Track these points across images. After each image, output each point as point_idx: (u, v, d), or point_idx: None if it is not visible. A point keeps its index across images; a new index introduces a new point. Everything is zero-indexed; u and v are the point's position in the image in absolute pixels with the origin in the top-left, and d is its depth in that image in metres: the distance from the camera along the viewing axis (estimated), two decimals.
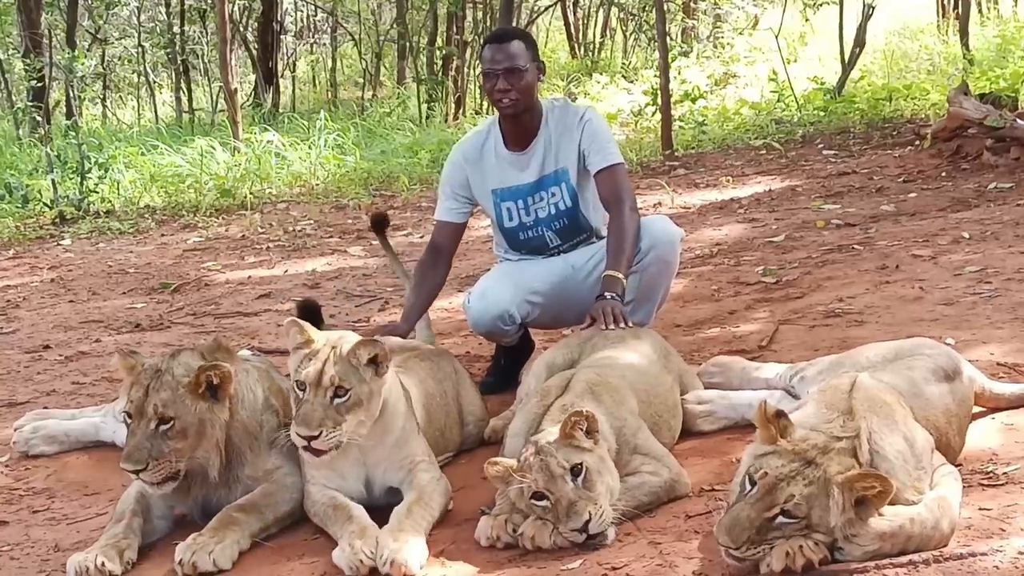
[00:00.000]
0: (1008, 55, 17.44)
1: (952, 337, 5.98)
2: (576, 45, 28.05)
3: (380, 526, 4.41)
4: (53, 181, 14.04)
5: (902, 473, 3.90)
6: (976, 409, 4.93)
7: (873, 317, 6.76)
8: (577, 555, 4.11)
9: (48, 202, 14.12)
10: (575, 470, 4.20)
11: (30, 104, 18.46)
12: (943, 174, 11.30)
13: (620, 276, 5.65)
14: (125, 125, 23.38)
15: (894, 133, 13.97)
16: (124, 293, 10.01)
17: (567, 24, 28.22)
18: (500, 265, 6.42)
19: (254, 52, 24.42)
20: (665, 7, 17.98)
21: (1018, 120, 11.24)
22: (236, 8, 23.97)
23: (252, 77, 24.63)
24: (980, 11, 22.87)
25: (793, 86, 17.12)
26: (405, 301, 6.25)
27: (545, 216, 6.12)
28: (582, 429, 4.29)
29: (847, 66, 17.14)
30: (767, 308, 7.36)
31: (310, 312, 6.34)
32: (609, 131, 6.18)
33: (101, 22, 26.00)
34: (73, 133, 14.58)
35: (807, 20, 21.24)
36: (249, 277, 10.21)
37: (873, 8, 17.26)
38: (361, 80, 26.48)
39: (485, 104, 20.47)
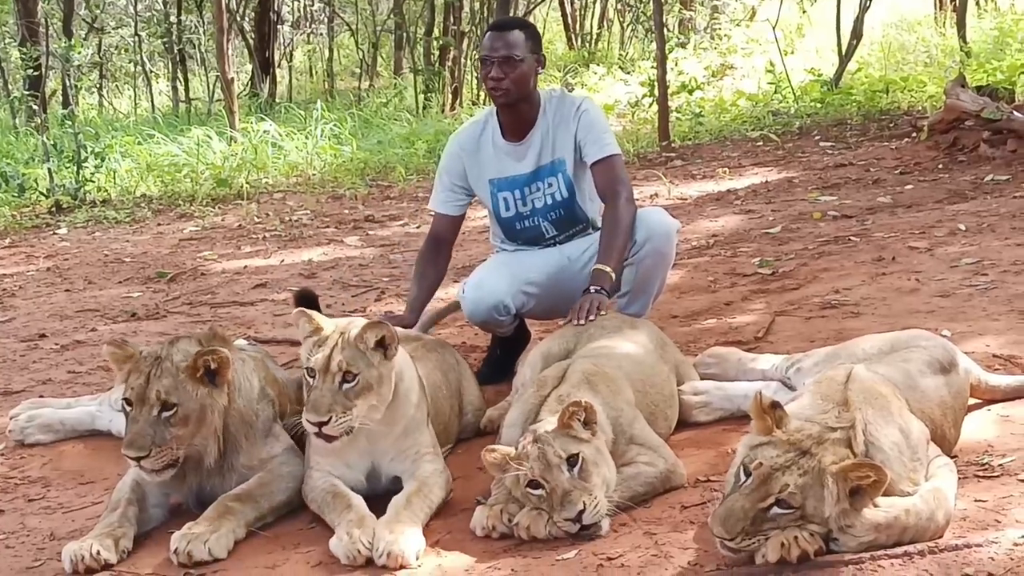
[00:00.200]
0: (1005, 47, 17.42)
1: (948, 329, 5.98)
2: (573, 36, 28.07)
3: (380, 515, 4.41)
4: (49, 170, 14.02)
5: (897, 464, 3.90)
6: (972, 401, 4.93)
7: (869, 309, 6.76)
8: (572, 545, 4.11)
9: (44, 191, 14.11)
10: (571, 460, 4.20)
11: (26, 93, 18.47)
12: (940, 166, 11.30)
13: (608, 270, 5.65)
14: (121, 114, 23.39)
15: (891, 125, 13.97)
16: (120, 282, 10.00)
17: (564, 15, 28.25)
18: (496, 256, 6.42)
19: (251, 42, 24.40)
20: None
21: (1015, 112, 11.24)
22: None
23: (249, 67, 24.64)
24: (977, 3, 22.87)
25: (790, 78, 17.11)
26: (408, 293, 6.24)
27: (542, 206, 6.11)
28: (580, 419, 4.29)
29: (844, 58, 17.13)
30: (763, 299, 7.36)
31: (307, 301, 6.31)
32: (606, 121, 6.17)
33: (98, 11, 26.02)
34: (69, 122, 14.56)
35: (804, 12, 21.19)
36: (245, 267, 10.20)
37: (870, 0, 17.24)
38: (358, 70, 26.47)
39: (482, 94, 20.48)
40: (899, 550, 3.71)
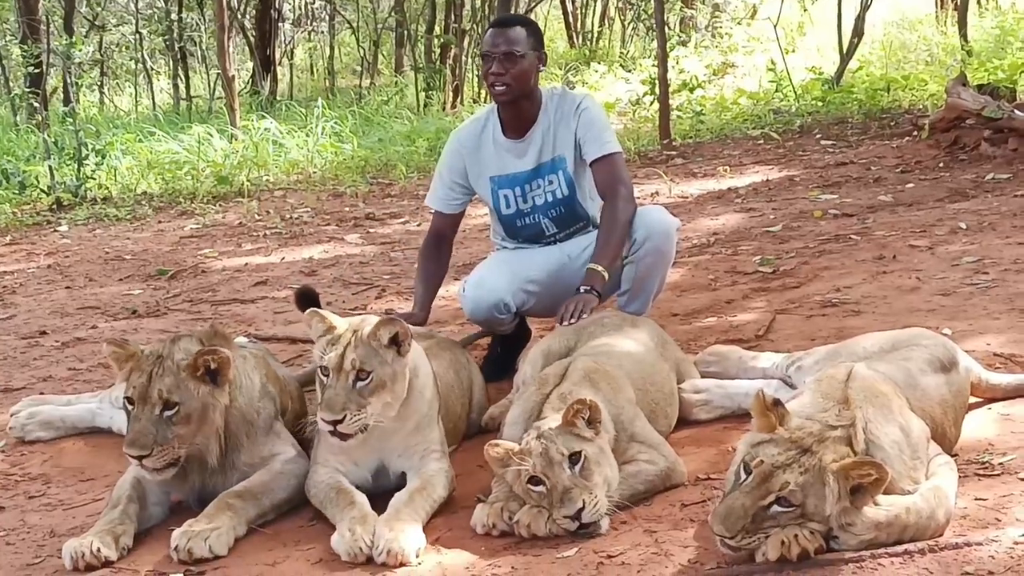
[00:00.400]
0: (1006, 46, 17.43)
1: (949, 327, 5.98)
2: (574, 34, 28.07)
3: (384, 512, 4.42)
4: (50, 167, 14.02)
5: (898, 463, 3.90)
6: (972, 399, 4.93)
7: (870, 307, 6.76)
8: (572, 543, 4.11)
9: (45, 188, 14.11)
10: (573, 458, 4.20)
11: (27, 90, 18.46)
12: (941, 165, 11.30)
13: (600, 269, 5.66)
14: (122, 112, 23.38)
15: (892, 124, 13.96)
16: (121, 280, 10.00)
17: (565, 13, 28.25)
18: (496, 254, 6.42)
19: (252, 39, 24.41)
20: None
21: (1016, 111, 11.24)
22: None
23: (250, 64, 24.63)
24: (979, 2, 22.89)
25: (791, 76, 17.11)
26: (414, 291, 6.24)
27: (542, 204, 6.12)
28: (584, 418, 4.30)
29: (845, 56, 17.15)
30: (764, 298, 7.36)
31: (309, 299, 6.32)
32: (606, 119, 6.17)
33: (99, 8, 26.01)
34: (70, 119, 14.55)
35: (805, 10, 21.20)
36: (246, 264, 10.20)
37: None
38: (359, 68, 26.49)
39: (483, 92, 20.48)
40: (899, 548, 3.71)
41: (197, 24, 25.19)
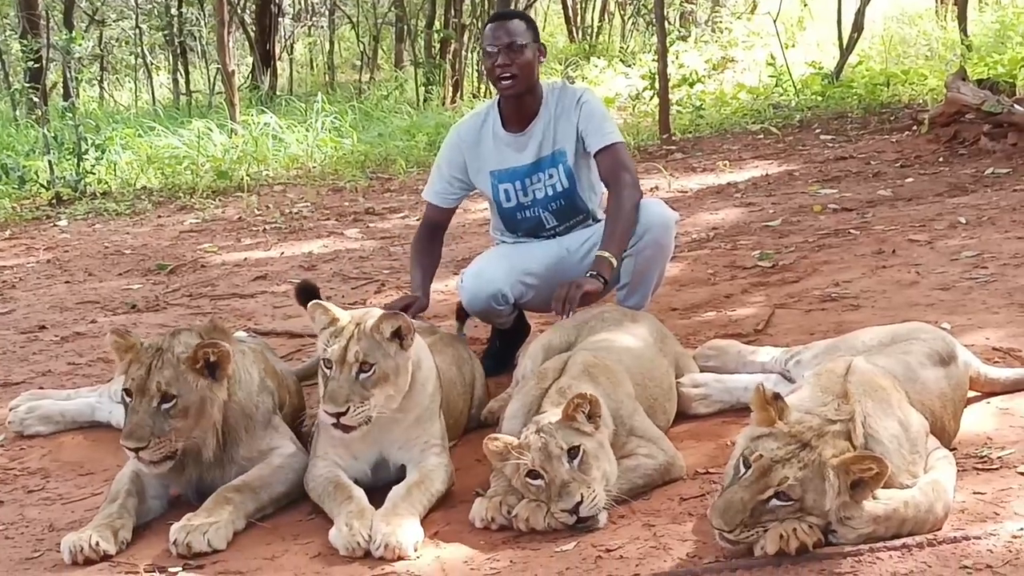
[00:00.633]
0: (1006, 41, 17.42)
1: (948, 322, 5.98)
2: (574, 29, 28.03)
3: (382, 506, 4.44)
4: (50, 162, 14.02)
5: (896, 457, 3.90)
6: (971, 394, 4.94)
7: (869, 301, 6.76)
8: (571, 537, 4.12)
9: (45, 183, 14.11)
10: (572, 452, 4.21)
11: (27, 85, 18.43)
12: (940, 159, 11.30)
13: (608, 255, 5.65)
14: (122, 107, 23.38)
15: (891, 118, 13.95)
16: (120, 274, 10.00)
17: (565, 7, 28.21)
18: (495, 247, 6.43)
19: (252, 34, 24.37)
20: None
21: (1016, 106, 11.23)
22: None
23: (250, 59, 24.59)
24: None
25: (791, 71, 17.09)
26: (411, 279, 6.23)
27: (542, 197, 6.12)
28: (584, 412, 4.30)
29: (845, 51, 17.12)
30: (763, 292, 7.36)
31: (309, 293, 6.33)
32: (606, 111, 6.18)
33: (99, 3, 26.00)
34: (70, 114, 14.55)
35: (805, 5, 21.19)
36: (245, 259, 10.20)
37: None
38: (359, 63, 26.46)
39: (483, 87, 20.46)
40: (898, 542, 3.71)
41: (197, 19, 25.19)
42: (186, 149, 15.53)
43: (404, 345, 4.66)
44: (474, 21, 22.82)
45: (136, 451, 4.52)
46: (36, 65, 18.70)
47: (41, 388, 6.52)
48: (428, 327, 5.73)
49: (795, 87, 16.70)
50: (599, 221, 6.08)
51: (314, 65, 28.89)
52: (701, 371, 5.51)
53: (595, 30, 28.19)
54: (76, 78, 20.51)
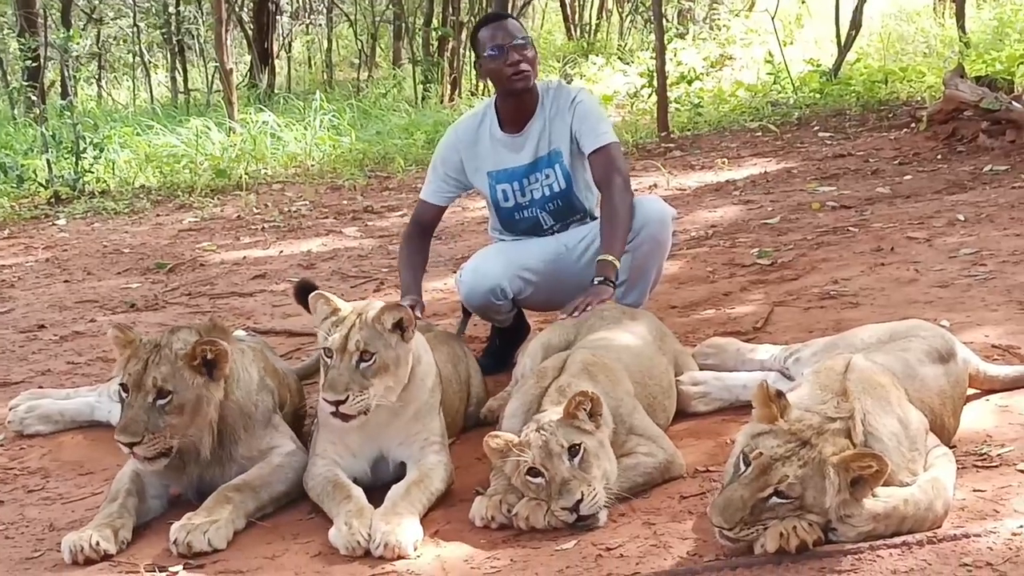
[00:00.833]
0: (1004, 38, 17.44)
1: (947, 319, 5.99)
2: (572, 26, 28.02)
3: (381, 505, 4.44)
4: (48, 161, 14.01)
5: (896, 454, 3.91)
6: (970, 391, 4.94)
7: (868, 299, 6.77)
8: (571, 535, 4.12)
9: (43, 182, 14.10)
10: (573, 450, 4.21)
11: (25, 84, 18.44)
12: (939, 156, 11.30)
13: (611, 259, 5.65)
14: (120, 105, 23.37)
15: (890, 115, 13.96)
16: (119, 273, 10.00)
17: (563, 5, 28.20)
18: (494, 244, 6.43)
19: (250, 32, 24.37)
20: None
21: (1014, 103, 11.25)
22: None
23: (247, 57, 24.60)
24: None
25: (789, 68, 17.10)
26: (401, 279, 6.22)
27: (540, 197, 6.12)
28: (585, 410, 4.30)
29: (843, 48, 17.11)
30: (762, 290, 7.36)
31: (308, 292, 6.31)
32: (601, 111, 6.18)
33: (96, 1, 25.98)
34: (68, 113, 14.55)
35: (803, 2, 21.22)
36: (244, 258, 10.21)
37: None
38: (357, 61, 26.47)
39: (480, 85, 20.44)
40: (898, 540, 3.71)
41: (195, 17, 25.18)
42: (184, 148, 15.54)
43: (405, 337, 4.68)
44: (472, 18, 22.80)
45: (130, 446, 4.52)
46: (34, 64, 18.70)
47: (40, 387, 6.52)
48: (424, 324, 5.72)
49: (793, 85, 16.71)
50: (596, 219, 6.08)
51: (312, 63, 28.87)
52: (700, 369, 5.51)
53: (593, 28, 28.18)
54: (74, 77, 20.54)
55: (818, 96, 15.95)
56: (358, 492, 4.54)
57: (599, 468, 4.25)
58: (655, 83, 15.63)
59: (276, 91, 22.43)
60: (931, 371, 4.54)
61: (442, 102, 20.00)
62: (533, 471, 4.22)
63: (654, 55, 15.97)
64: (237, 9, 24.30)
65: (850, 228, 8.68)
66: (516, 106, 6.04)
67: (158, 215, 12.79)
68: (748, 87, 17.45)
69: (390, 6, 25.27)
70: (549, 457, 4.19)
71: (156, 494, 4.79)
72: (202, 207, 12.94)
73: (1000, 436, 4.58)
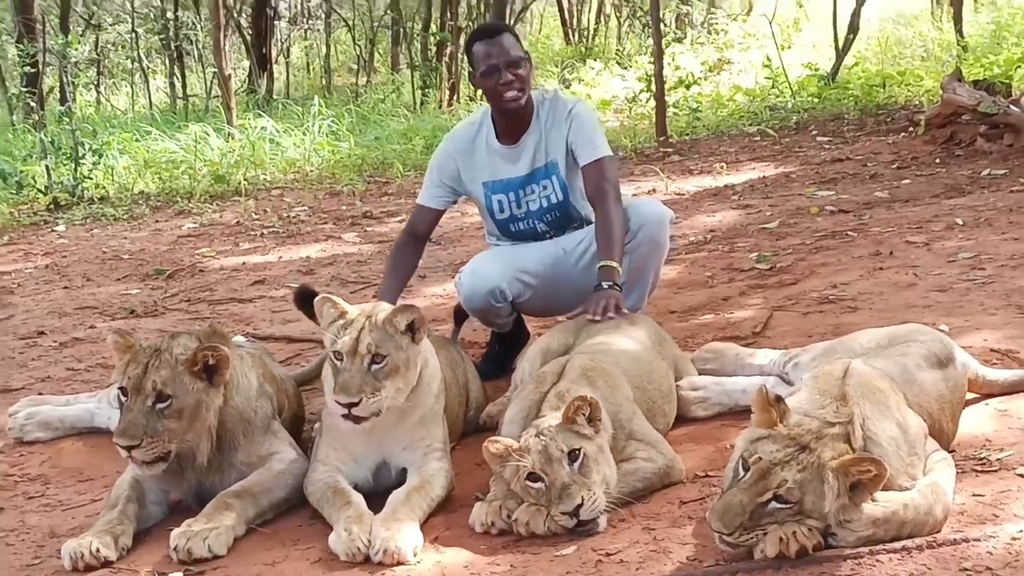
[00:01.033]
0: (1002, 41, 17.46)
1: (945, 323, 5.99)
2: (570, 31, 28.04)
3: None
4: (47, 167, 14.01)
5: (895, 459, 3.91)
6: (969, 395, 4.94)
7: (866, 303, 6.77)
8: (571, 541, 4.12)
9: (42, 188, 14.11)
10: (572, 455, 4.21)
11: (24, 90, 18.38)
12: (937, 160, 11.31)
13: (614, 264, 5.64)
14: (119, 111, 23.37)
15: (888, 120, 13.97)
16: (118, 279, 10.01)
17: (561, 10, 28.21)
18: (492, 248, 6.42)
19: (248, 38, 24.39)
20: None
21: (1012, 106, 11.26)
22: None
23: (246, 63, 24.60)
24: None
25: (787, 72, 17.12)
26: (382, 283, 6.20)
27: (536, 209, 6.12)
28: (584, 415, 4.31)
29: (841, 52, 17.13)
30: (761, 294, 7.36)
31: (307, 297, 6.33)
32: (597, 123, 6.17)
33: (95, 7, 25.97)
34: (67, 119, 14.53)
35: (801, 6, 21.22)
36: (243, 263, 10.21)
37: None
38: (355, 66, 26.48)
39: (478, 91, 20.45)
40: (897, 545, 3.72)
41: (193, 23, 25.16)
42: (183, 153, 15.54)
43: (416, 339, 4.69)
44: (470, 24, 22.83)
45: (128, 449, 4.52)
46: (32, 70, 18.66)
47: (40, 394, 6.52)
48: None
49: (791, 89, 16.72)
50: (592, 223, 6.07)
51: (310, 69, 28.90)
52: (699, 374, 5.52)
53: (591, 32, 28.20)
54: (73, 83, 20.50)
55: (816, 100, 15.97)
56: (358, 498, 4.55)
57: (599, 473, 4.26)
58: (653, 88, 15.66)
59: (275, 97, 22.45)
60: (930, 376, 4.55)
61: (440, 107, 20.03)
62: (533, 476, 4.22)
63: (652, 60, 16.00)
64: (235, 15, 24.32)
65: (849, 232, 8.69)
66: (510, 120, 6.04)
67: (157, 221, 12.80)
68: (746, 91, 17.46)
69: (388, 11, 25.28)
70: (549, 462, 4.20)
71: (156, 500, 4.79)
72: (201, 213, 12.94)
73: (999, 440, 4.58)
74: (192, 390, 4.61)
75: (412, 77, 21.89)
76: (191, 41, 25.24)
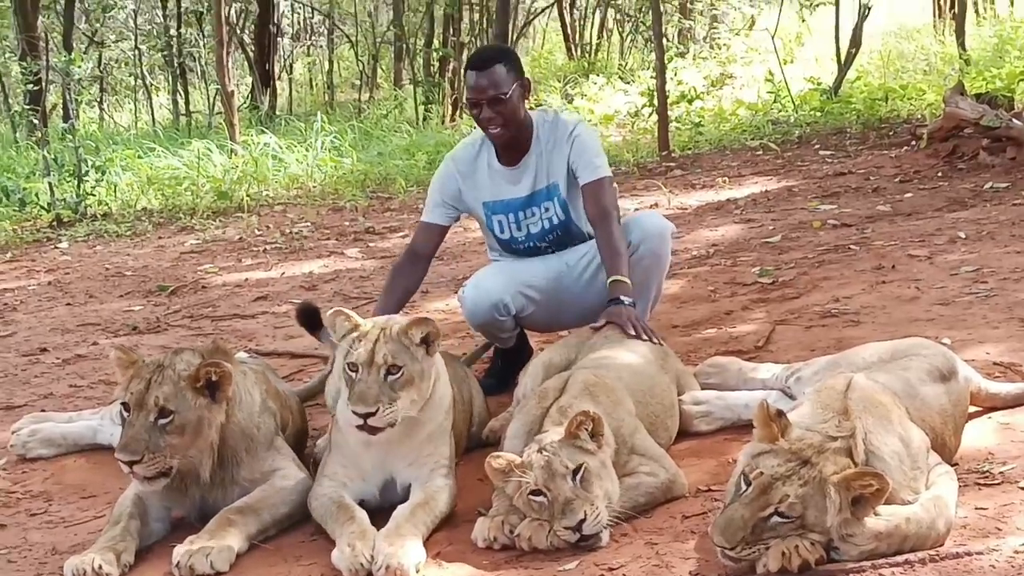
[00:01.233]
0: (1004, 55, 17.46)
1: (948, 337, 5.99)
2: (573, 46, 28.06)
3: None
4: (50, 184, 14.01)
5: (898, 473, 3.91)
6: (972, 409, 4.94)
7: (869, 317, 6.77)
8: (574, 556, 4.12)
9: (45, 205, 14.10)
10: (575, 470, 4.21)
11: (27, 107, 18.48)
12: (939, 174, 11.31)
13: (623, 279, 5.65)
14: (122, 128, 23.39)
15: (890, 133, 13.98)
16: (121, 296, 10.01)
17: (564, 25, 28.25)
18: (495, 262, 6.41)
19: (251, 54, 24.43)
20: (661, 8, 18.04)
21: (1014, 120, 11.26)
22: (233, 11, 23.97)
23: (249, 79, 24.64)
24: (976, 11, 22.91)
25: (789, 87, 17.13)
26: (377, 302, 6.18)
27: (538, 231, 6.12)
28: (587, 430, 4.31)
29: (843, 66, 17.14)
30: (763, 308, 7.36)
31: (310, 315, 6.36)
32: (598, 144, 6.16)
33: (98, 25, 26.02)
34: (70, 136, 14.54)
35: (803, 20, 21.24)
36: (246, 279, 10.21)
37: (869, 8, 17.25)
38: (358, 82, 26.52)
39: None
40: (900, 558, 3.71)
41: (196, 40, 25.20)
42: (186, 170, 15.54)
43: (430, 351, 4.72)
44: (473, 39, 22.86)
45: (130, 465, 4.52)
46: (36, 87, 18.73)
47: (43, 411, 6.52)
48: None
49: (794, 103, 16.74)
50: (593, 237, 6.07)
51: (313, 85, 28.94)
52: (702, 388, 5.52)
53: (594, 47, 28.21)
54: (76, 100, 20.56)
55: (818, 114, 15.97)
56: (361, 514, 4.55)
57: (601, 488, 4.26)
58: (656, 102, 15.67)
59: (278, 113, 22.47)
60: (932, 390, 4.54)
61: (443, 123, 20.05)
62: (536, 491, 4.22)
63: (654, 74, 16.00)
64: (238, 31, 24.37)
65: (851, 246, 8.68)
66: (504, 145, 6.05)
67: (160, 237, 12.80)
68: (748, 106, 17.46)
69: (391, 27, 25.32)
70: (552, 477, 4.20)
71: (158, 517, 4.79)
72: (204, 229, 12.94)
73: (1002, 454, 4.58)
74: (194, 406, 4.62)
75: (415, 93, 21.91)
76: (194, 58, 25.29)
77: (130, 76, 27.45)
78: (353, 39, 27.09)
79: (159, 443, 4.55)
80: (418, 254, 6.19)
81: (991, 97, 12.15)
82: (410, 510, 4.52)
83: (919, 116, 14.53)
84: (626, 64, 25.82)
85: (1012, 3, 23.36)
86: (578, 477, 4.21)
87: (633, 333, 5.46)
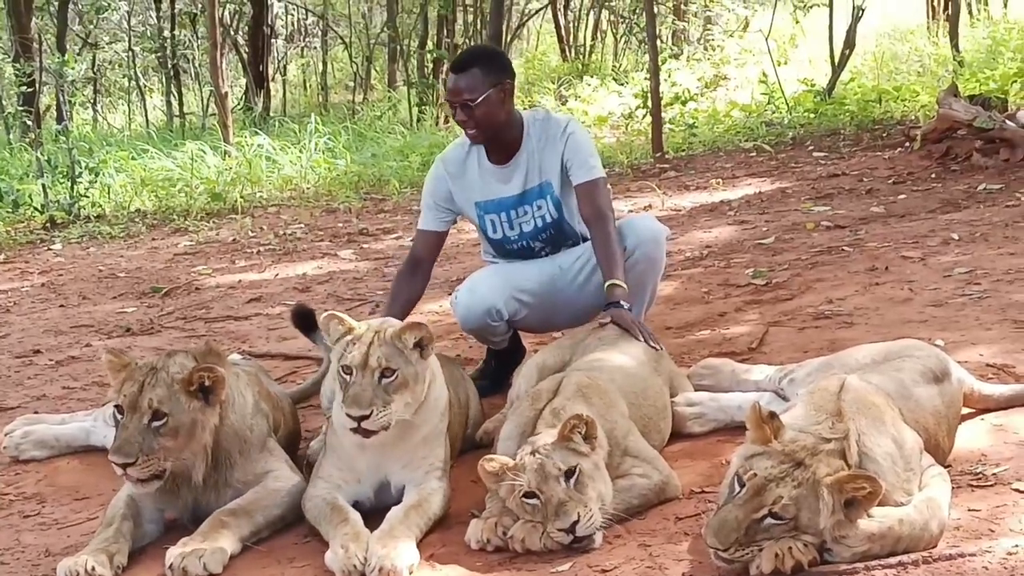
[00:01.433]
0: (998, 56, 17.48)
1: (941, 338, 5.99)
2: (567, 47, 28.03)
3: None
4: (43, 186, 14.01)
5: (891, 474, 3.91)
6: (965, 410, 4.94)
7: (862, 319, 6.77)
8: (567, 558, 4.12)
9: (39, 207, 14.10)
10: (568, 472, 4.21)
11: (20, 109, 18.45)
12: (933, 176, 11.32)
13: (620, 283, 5.66)
14: (116, 129, 23.36)
15: (884, 135, 13.99)
16: (114, 298, 10.00)
17: (558, 27, 28.22)
18: (489, 265, 6.41)
19: (245, 56, 24.43)
20: (655, 10, 18.03)
21: (1007, 121, 11.27)
22: (227, 12, 23.96)
23: (243, 81, 24.63)
24: (970, 12, 22.91)
25: (783, 88, 17.14)
26: (386, 308, 6.18)
27: (531, 230, 6.10)
28: (580, 433, 4.31)
29: (837, 68, 17.17)
30: (757, 310, 7.36)
31: (304, 317, 6.35)
32: (592, 144, 6.15)
33: (91, 26, 26.01)
34: (64, 137, 14.55)
35: (797, 22, 21.23)
36: (240, 281, 10.20)
37: (863, 10, 17.27)
38: (352, 84, 26.53)
39: None
40: (893, 560, 3.71)
41: (190, 41, 25.21)
42: (180, 171, 15.54)
43: (424, 355, 4.71)
44: (467, 41, 22.85)
45: (123, 467, 4.51)
46: (29, 89, 18.68)
47: (36, 413, 6.51)
48: None
49: (787, 104, 16.74)
50: (588, 240, 6.06)
51: (307, 86, 28.93)
52: (696, 390, 5.52)
53: (588, 49, 28.20)
54: (69, 101, 20.51)
55: (812, 116, 15.99)
56: (355, 516, 4.54)
57: (594, 490, 4.26)
58: (649, 104, 15.68)
59: (271, 114, 22.47)
60: (925, 391, 4.55)
61: (437, 124, 20.01)
62: (529, 494, 4.22)
63: (648, 76, 15.99)
64: (232, 33, 24.36)
65: (844, 248, 8.69)
66: (492, 143, 6.03)
67: (153, 239, 12.79)
68: (742, 107, 17.47)
69: (385, 29, 25.30)
70: (545, 480, 4.20)
71: (152, 519, 4.78)
72: (197, 231, 12.94)
73: (995, 455, 4.58)
74: (188, 409, 4.61)
75: (409, 94, 21.88)
76: (188, 59, 25.32)
77: (124, 77, 27.43)
78: (347, 40, 27.10)
79: (153, 445, 4.54)
80: (418, 261, 6.15)
81: (984, 99, 12.17)
82: (404, 512, 4.52)
83: (913, 117, 14.55)
84: (620, 66, 25.81)
85: (1005, 4, 23.39)
86: (571, 479, 4.21)
87: (641, 338, 5.47)
